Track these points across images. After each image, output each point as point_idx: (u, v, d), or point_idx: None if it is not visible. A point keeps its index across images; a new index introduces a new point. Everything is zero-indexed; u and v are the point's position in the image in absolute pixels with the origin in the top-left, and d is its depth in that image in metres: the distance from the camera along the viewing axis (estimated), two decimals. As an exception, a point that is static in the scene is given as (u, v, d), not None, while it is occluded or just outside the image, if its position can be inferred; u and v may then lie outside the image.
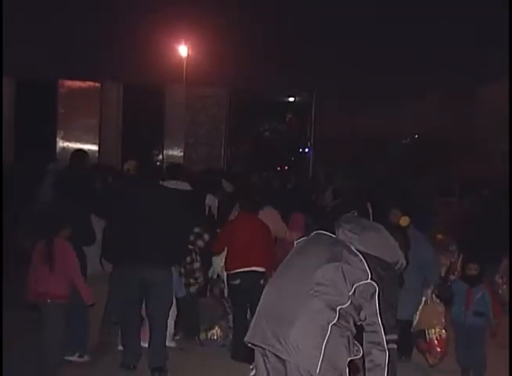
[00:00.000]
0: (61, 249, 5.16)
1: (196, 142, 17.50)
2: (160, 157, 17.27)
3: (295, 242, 3.56)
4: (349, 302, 3.13)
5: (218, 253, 6.20)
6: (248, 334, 3.37)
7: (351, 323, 3.17)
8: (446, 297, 5.86)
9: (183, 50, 26.24)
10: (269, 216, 6.86)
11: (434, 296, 5.88)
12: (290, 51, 28.62)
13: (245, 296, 6.02)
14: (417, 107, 25.45)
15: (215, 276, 6.34)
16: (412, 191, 9.48)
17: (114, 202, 5.69)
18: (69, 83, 17.47)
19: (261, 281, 6.02)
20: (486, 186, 10.42)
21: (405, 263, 3.44)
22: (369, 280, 3.13)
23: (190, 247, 6.34)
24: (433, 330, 5.79)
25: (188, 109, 17.47)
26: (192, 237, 6.39)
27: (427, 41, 27.17)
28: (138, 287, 5.42)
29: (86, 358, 5.70)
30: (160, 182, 6.35)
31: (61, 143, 17.04)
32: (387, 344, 3.15)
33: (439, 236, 8.56)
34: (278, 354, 3.15)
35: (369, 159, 23.03)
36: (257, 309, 3.38)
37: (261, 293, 5.54)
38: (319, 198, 10.39)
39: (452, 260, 8.21)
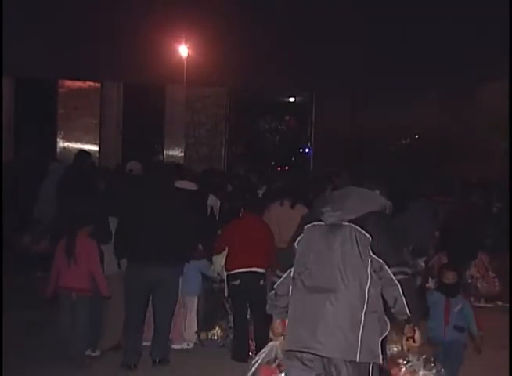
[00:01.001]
0: (84, 244, 5.45)
1: (196, 142, 17.51)
2: (160, 157, 17.27)
3: (295, 244, 3.56)
4: (370, 276, 3.31)
5: (219, 252, 6.21)
6: (288, 342, 3.46)
7: (380, 301, 3.34)
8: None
9: (183, 50, 26.24)
10: (300, 215, 7.03)
11: None
12: (290, 51, 28.61)
13: (245, 296, 6.03)
14: (417, 107, 25.46)
15: (215, 276, 6.35)
16: (412, 191, 9.46)
17: (125, 201, 5.80)
18: (69, 83, 17.49)
19: (261, 282, 6.03)
20: (482, 187, 10.46)
21: (390, 204, 3.56)
22: (370, 240, 3.31)
23: None
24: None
25: (188, 109, 17.49)
26: None
27: (427, 41, 27.16)
28: (145, 285, 5.53)
29: (97, 352, 5.79)
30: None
31: (61, 143, 17.05)
32: (394, 275, 3.28)
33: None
34: (318, 353, 3.29)
35: (369, 159, 23.02)
36: (290, 316, 3.47)
37: (261, 293, 5.60)
38: (318, 198, 10.38)
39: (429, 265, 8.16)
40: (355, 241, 3.33)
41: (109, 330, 5.90)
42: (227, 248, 6.14)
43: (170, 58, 26.67)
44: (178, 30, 26.54)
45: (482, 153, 21.22)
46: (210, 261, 6.26)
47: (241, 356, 5.97)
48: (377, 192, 3.69)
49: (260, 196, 8.76)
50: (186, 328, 6.31)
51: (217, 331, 6.41)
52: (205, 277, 6.45)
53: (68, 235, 5.50)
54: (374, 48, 27.96)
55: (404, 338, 3.50)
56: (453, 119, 23.92)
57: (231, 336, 6.22)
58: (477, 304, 8.40)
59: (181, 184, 6.77)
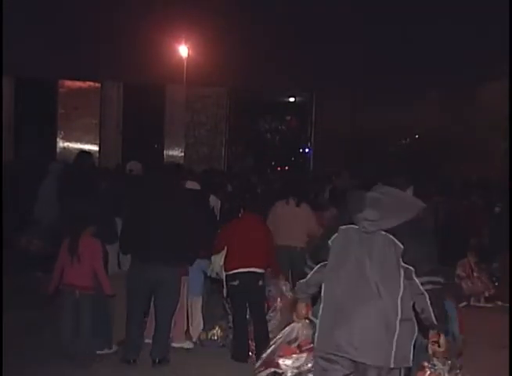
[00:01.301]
0: (87, 244, 5.55)
1: (196, 142, 17.51)
2: (161, 157, 17.26)
3: (329, 241, 3.60)
4: (403, 285, 3.38)
5: (218, 252, 6.22)
6: (318, 342, 3.53)
7: (411, 307, 3.40)
8: None
9: (183, 50, 26.24)
10: (305, 213, 7.32)
11: None
12: (290, 51, 28.61)
13: (244, 296, 6.04)
14: (417, 107, 25.45)
15: (214, 275, 6.36)
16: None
17: (127, 201, 5.85)
18: (69, 83, 17.51)
19: (260, 282, 6.04)
20: (483, 187, 10.46)
21: (424, 206, 3.56)
22: (402, 249, 3.37)
23: None
24: None
25: (188, 109, 17.50)
26: None
27: (427, 41, 27.16)
28: (146, 285, 5.59)
29: (114, 348, 5.90)
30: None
31: (61, 143, 17.05)
32: (424, 285, 3.34)
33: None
34: (354, 359, 3.38)
35: (369, 159, 23.02)
36: (324, 316, 3.53)
37: (259, 293, 5.65)
38: (318, 197, 10.40)
39: None
40: (389, 250, 3.39)
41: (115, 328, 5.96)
42: (226, 248, 6.16)
43: (170, 58, 26.66)
44: (178, 30, 26.53)
45: (482, 153, 21.21)
46: (210, 261, 6.28)
47: (241, 356, 5.98)
48: (410, 190, 3.71)
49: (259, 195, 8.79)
50: (193, 327, 6.33)
51: (217, 331, 6.41)
52: (206, 277, 6.47)
53: (72, 234, 5.60)
54: (374, 48, 27.96)
55: (429, 343, 3.54)
56: (453, 119, 23.91)
57: (231, 336, 6.23)
58: (477, 304, 8.42)
59: (188, 184, 6.83)
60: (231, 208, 7.15)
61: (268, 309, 6.26)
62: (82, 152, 9.03)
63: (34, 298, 6.65)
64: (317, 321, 3.55)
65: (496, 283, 8.72)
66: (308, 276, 3.69)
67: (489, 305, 8.47)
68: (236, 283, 6.01)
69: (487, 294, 8.52)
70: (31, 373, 5.35)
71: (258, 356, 5.88)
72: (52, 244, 7.75)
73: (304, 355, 3.88)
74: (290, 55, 28.32)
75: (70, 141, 16.97)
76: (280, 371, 3.87)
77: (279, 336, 4.07)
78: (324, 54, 28.27)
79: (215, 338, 6.40)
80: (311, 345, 3.80)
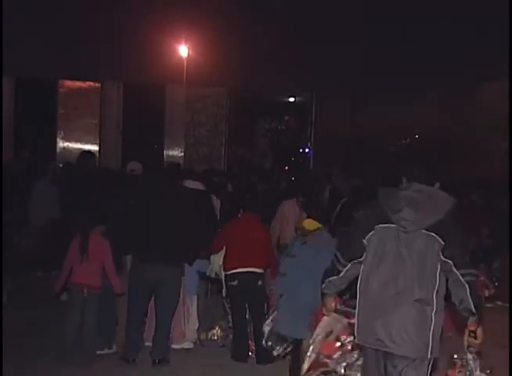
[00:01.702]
0: (97, 243, 5.63)
1: (196, 142, 17.51)
2: (161, 157, 17.26)
3: (365, 240, 3.70)
4: (439, 279, 3.55)
5: (217, 252, 6.22)
6: (358, 335, 3.72)
7: (443, 299, 3.60)
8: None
9: (183, 50, 26.24)
10: (291, 208, 7.49)
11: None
12: (290, 51, 28.59)
13: (243, 296, 6.04)
14: (417, 107, 25.44)
15: (213, 275, 6.36)
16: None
17: (130, 201, 5.88)
18: (69, 83, 17.50)
19: (259, 282, 6.05)
20: (483, 187, 10.45)
21: (456, 201, 3.67)
22: (441, 244, 3.53)
23: None
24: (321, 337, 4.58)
25: (188, 109, 17.49)
26: None
27: (427, 41, 27.15)
28: (147, 285, 5.61)
29: (114, 348, 5.94)
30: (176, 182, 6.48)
31: (61, 143, 17.04)
32: (463, 277, 3.49)
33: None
34: (391, 351, 3.55)
35: (369, 159, 23.01)
36: (365, 310, 3.67)
37: (259, 293, 5.74)
38: (318, 197, 10.40)
39: None
40: (429, 247, 3.53)
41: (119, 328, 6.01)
42: (225, 248, 6.16)
43: (170, 58, 26.66)
44: (178, 30, 26.53)
45: (482, 153, 21.21)
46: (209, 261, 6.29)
47: (241, 356, 5.99)
48: (438, 185, 3.76)
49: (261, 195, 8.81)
50: (188, 327, 6.33)
51: (217, 331, 6.42)
52: (205, 277, 6.47)
53: (81, 233, 5.67)
54: (374, 48, 27.95)
55: (466, 333, 3.59)
56: (453, 119, 23.90)
57: (231, 336, 6.23)
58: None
59: (189, 184, 6.83)
60: (231, 208, 7.15)
61: (269, 308, 6.26)
62: (85, 152, 9.05)
63: (34, 298, 6.65)
64: (356, 315, 3.74)
65: (496, 284, 8.72)
66: (343, 272, 3.83)
67: (489, 305, 8.46)
68: (235, 283, 6.02)
69: (487, 294, 8.52)
70: (31, 373, 5.35)
71: (258, 356, 5.90)
72: (47, 244, 7.78)
73: (348, 348, 4.10)
74: (290, 55, 28.31)
75: (70, 141, 16.96)
76: (330, 369, 4.06)
77: (316, 332, 4.25)
78: (324, 54, 28.26)
79: (215, 338, 6.40)
80: (351, 338, 4.04)
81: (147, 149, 16.19)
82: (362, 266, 3.74)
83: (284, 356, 5.63)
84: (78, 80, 17.53)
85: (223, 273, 6.16)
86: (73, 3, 28.13)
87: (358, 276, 3.77)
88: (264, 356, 5.93)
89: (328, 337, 4.15)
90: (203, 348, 6.22)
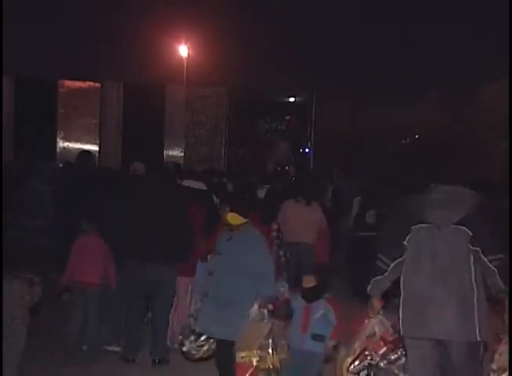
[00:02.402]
0: (98, 242, 5.70)
1: (196, 142, 17.50)
2: (161, 156, 17.25)
3: (405, 242, 4.03)
4: (474, 267, 3.92)
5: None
6: (406, 331, 4.04)
7: (483, 285, 3.96)
8: (285, 314, 4.92)
9: (183, 50, 26.25)
10: (316, 212, 7.61)
11: (265, 312, 4.63)
12: (290, 51, 28.60)
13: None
14: (417, 107, 25.43)
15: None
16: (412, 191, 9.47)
17: (127, 201, 5.90)
18: (69, 83, 17.48)
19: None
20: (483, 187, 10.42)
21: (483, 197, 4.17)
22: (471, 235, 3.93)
23: None
24: (241, 354, 4.57)
25: (188, 109, 17.48)
26: None
27: (427, 41, 27.15)
28: (146, 284, 5.62)
29: (117, 348, 5.97)
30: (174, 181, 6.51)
31: (61, 143, 17.04)
32: (491, 263, 3.87)
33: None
34: (445, 338, 3.89)
35: (369, 159, 23.02)
36: (406, 307, 4.02)
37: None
38: (320, 198, 10.40)
39: None
40: (459, 239, 3.92)
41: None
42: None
43: (170, 58, 26.67)
44: (178, 30, 26.54)
45: (482, 153, 21.20)
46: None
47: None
48: (467, 188, 4.14)
49: (261, 196, 8.81)
50: None
51: (217, 331, 6.39)
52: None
53: (82, 233, 5.76)
54: (374, 48, 27.95)
55: (506, 312, 4.06)
56: (453, 119, 23.90)
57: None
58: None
59: (191, 183, 6.84)
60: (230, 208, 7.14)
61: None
62: (84, 151, 9.05)
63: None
64: (401, 310, 4.03)
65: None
66: (388, 272, 4.12)
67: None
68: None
69: None
70: (31, 372, 5.34)
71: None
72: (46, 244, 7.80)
73: (391, 346, 4.35)
74: (290, 55, 28.33)
75: (70, 141, 16.95)
76: (373, 363, 4.31)
77: (362, 334, 4.45)
78: (324, 54, 28.28)
79: (215, 337, 6.39)
80: (393, 337, 4.32)
81: (147, 149, 16.18)
82: (403, 266, 4.06)
83: (207, 359, 5.29)
84: (78, 80, 17.51)
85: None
86: (73, 3, 28.14)
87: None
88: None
89: (371, 337, 4.38)
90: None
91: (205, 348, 5.00)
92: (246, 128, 18.98)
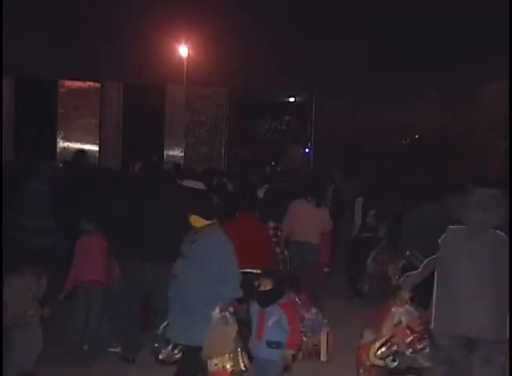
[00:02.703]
0: (100, 242, 5.75)
1: (196, 142, 17.49)
2: (161, 157, 17.25)
3: (439, 240, 4.25)
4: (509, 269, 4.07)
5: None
6: (438, 325, 4.21)
7: None
8: (245, 319, 4.76)
9: (183, 50, 26.27)
10: (324, 215, 7.67)
11: (227, 315, 4.48)
12: (290, 51, 28.61)
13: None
14: (417, 107, 25.44)
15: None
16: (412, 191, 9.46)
17: (126, 201, 5.91)
18: (69, 83, 17.46)
19: (256, 283, 6.02)
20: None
21: None
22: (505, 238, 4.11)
23: None
24: (214, 361, 4.44)
25: (188, 109, 17.46)
26: None
27: (427, 41, 27.16)
28: (146, 284, 5.64)
29: (118, 348, 5.96)
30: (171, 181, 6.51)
31: (61, 143, 17.03)
32: None
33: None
34: (475, 337, 4.04)
35: (369, 159, 23.02)
36: (440, 302, 4.18)
37: (257, 294, 5.68)
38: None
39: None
40: (496, 242, 4.07)
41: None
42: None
43: (170, 58, 26.69)
44: (178, 30, 26.55)
45: (482, 153, 21.21)
46: None
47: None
48: (500, 190, 4.28)
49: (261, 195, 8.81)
50: None
51: (217, 331, 6.39)
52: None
53: (85, 232, 5.80)
54: (374, 48, 27.97)
55: None
56: (453, 119, 23.91)
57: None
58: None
59: (191, 183, 6.83)
60: (230, 208, 7.14)
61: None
62: (79, 151, 9.06)
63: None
64: (434, 306, 4.22)
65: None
66: (420, 268, 4.38)
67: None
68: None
69: None
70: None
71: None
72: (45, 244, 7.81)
73: (418, 336, 4.55)
74: (290, 55, 28.34)
75: (70, 141, 16.93)
76: (399, 350, 4.54)
77: (388, 320, 4.68)
78: (324, 54, 28.29)
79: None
80: (420, 327, 4.54)
81: (147, 149, 16.17)
82: (438, 264, 4.24)
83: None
84: (78, 80, 17.50)
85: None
86: (73, 3, 28.15)
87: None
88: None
89: (398, 325, 4.61)
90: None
91: (177, 354, 4.76)
92: (247, 128, 18.96)
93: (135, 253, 5.66)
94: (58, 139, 17.02)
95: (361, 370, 4.70)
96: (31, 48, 25.28)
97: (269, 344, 4.51)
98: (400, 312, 4.66)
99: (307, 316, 6.22)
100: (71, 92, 17.24)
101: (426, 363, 4.46)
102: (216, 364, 4.40)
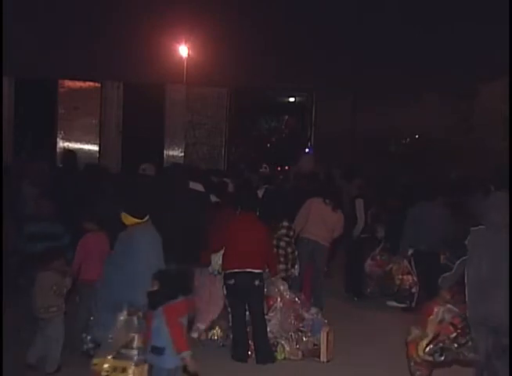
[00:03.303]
0: (103, 240, 5.81)
1: (197, 142, 17.45)
2: (161, 157, 17.23)
3: (466, 242, 4.73)
4: None
5: (217, 251, 6.23)
6: (470, 317, 4.70)
7: None
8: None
9: (183, 50, 26.30)
10: (338, 219, 7.80)
11: (135, 320, 4.48)
12: (290, 51, 28.62)
13: (241, 296, 6.05)
14: (417, 107, 25.43)
15: (216, 273, 6.37)
16: (412, 191, 9.46)
17: (141, 201, 5.96)
18: (69, 83, 17.41)
19: (256, 282, 6.03)
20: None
21: None
22: None
23: None
24: (95, 361, 4.47)
25: (188, 109, 17.44)
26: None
27: (428, 41, 27.17)
28: None
29: None
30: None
31: (61, 143, 17.01)
32: None
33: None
34: (495, 325, 4.47)
35: (369, 159, 23.02)
36: (470, 297, 4.63)
37: (256, 293, 5.78)
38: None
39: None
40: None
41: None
42: (224, 248, 6.18)
43: (170, 58, 26.72)
44: (179, 30, 26.58)
45: (482, 153, 21.20)
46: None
47: (241, 355, 5.98)
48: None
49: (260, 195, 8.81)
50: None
51: (217, 331, 6.41)
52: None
53: (88, 232, 5.88)
54: (374, 49, 27.97)
55: None
56: (453, 119, 23.90)
57: (231, 336, 6.23)
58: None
59: (191, 185, 6.87)
60: (231, 208, 7.15)
61: (268, 309, 6.25)
62: (68, 151, 9.06)
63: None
64: (467, 301, 4.68)
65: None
66: (454, 269, 4.89)
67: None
68: (231, 282, 6.04)
69: None
70: (31, 372, 5.35)
71: (258, 356, 5.89)
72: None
73: (461, 331, 4.93)
74: (290, 55, 28.34)
75: (70, 141, 16.89)
76: (445, 346, 4.93)
77: (431, 318, 5.06)
78: (324, 54, 28.29)
79: (215, 337, 6.40)
80: (463, 323, 4.89)
81: (147, 149, 16.16)
82: (467, 262, 4.67)
83: None
84: (78, 80, 17.49)
85: (222, 272, 6.18)
86: (73, 3, 28.15)
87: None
88: (263, 356, 5.93)
89: (442, 322, 5.00)
90: (203, 348, 6.21)
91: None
92: (247, 128, 18.95)
93: None
94: (58, 139, 17.01)
95: (411, 364, 5.15)
96: (31, 48, 25.29)
97: (152, 349, 4.28)
98: (442, 311, 5.05)
99: (307, 316, 6.23)
100: (71, 92, 17.21)
101: (470, 356, 4.87)
102: (95, 364, 4.39)
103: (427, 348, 4.99)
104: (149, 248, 4.76)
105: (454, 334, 4.98)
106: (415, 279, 8.07)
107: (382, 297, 8.46)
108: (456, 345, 4.93)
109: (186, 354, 4.20)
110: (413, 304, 8.01)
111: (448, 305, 5.11)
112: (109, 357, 4.36)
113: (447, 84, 25.07)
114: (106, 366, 4.35)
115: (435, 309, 5.07)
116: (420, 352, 5.02)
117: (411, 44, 27.27)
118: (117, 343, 4.38)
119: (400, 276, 8.14)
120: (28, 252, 6.18)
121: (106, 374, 4.34)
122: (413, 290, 8.06)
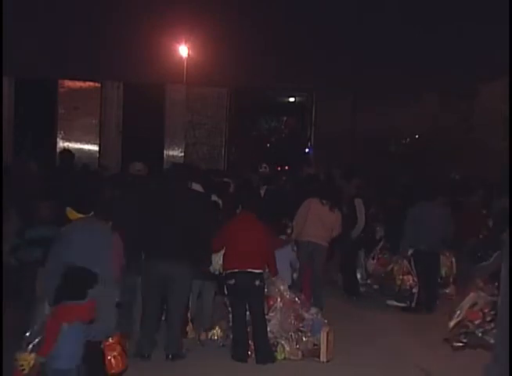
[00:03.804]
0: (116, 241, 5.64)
1: (197, 142, 17.45)
2: (161, 156, 17.23)
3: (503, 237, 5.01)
4: None
5: (217, 251, 6.24)
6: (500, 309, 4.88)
7: None
8: None
9: (183, 50, 26.30)
10: (336, 219, 7.76)
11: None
12: (290, 51, 28.62)
13: (241, 296, 6.06)
14: (417, 107, 25.43)
15: (216, 273, 6.38)
16: (412, 191, 9.47)
17: (140, 202, 5.97)
18: (69, 83, 17.42)
19: (257, 282, 6.03)
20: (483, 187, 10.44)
21: None
22: None
23: None
24: (16, 356, 4.46)
25: (188, 109, 17.44)
26: None
27: (428, 41, 27.17)
28: (159, 281, 5.76)
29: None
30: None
31: (61, 143, 17.02)
32: None
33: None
34: None
35: (369, 159, 23.01)
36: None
37: (256, 293, 5.84)
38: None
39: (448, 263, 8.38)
40: None
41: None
42: (224, 247, 6.18)
43: (170, 58, 26.71)
44: (179, 30, 26.57)
45: (482, 153, 21.20)
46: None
47: (241, 355, 5.98)
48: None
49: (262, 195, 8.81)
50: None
51: (217, 331, 6.42)
52: (213, 276, 6.50)
53: None
54: (374, 48, 27.97)
55: None
56: (453, 119, 23.90)
57: (231, 336, 6.23)
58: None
59: (193, 187, 6.89)
60: (232, 208, 7.16)
61: (269, 309, 6.25)
62: (65, 150, 9.05)
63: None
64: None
65: (496, 283, 8.70)
66: (491, 260, 5.27)
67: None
68: (232, 282, 6.05)
69: None
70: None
71: (258, 356, 5.89)
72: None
73: (488, 319, 5.17)
74: (290, 55, 28.34)
75: (70, 141, 16.89)
76: (470, 331, 5.18)
77: (464, 302, 5.33)
78: (324, 54, 28.30)
79: (215, 337, 6.40)
80: (492, 312, 5.07)
81: (147, 149, 16.16)
82: (503, 256, 4.74)
83: None
84: (78, 80, 17.49)
85: (223, 272, 6.19)
86: (73, 3, 28.15)
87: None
88: (263, 356, 5.93)
89: (473, 307, 5.26)
90: (203, 348, 6.21)
91: None
92: (246, 128, 18.95)
93: (149, 251, 5.82)
94: (58, 139, 17.01)
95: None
96: (31, 48, 25.29)
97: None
98: (475, 297, 5.31)
99: (307, 316, 6.23)
100: (71, 92, 17.22)
101: (492, 341, 4.92)
102: (16, 360, 4.37)
103: (453, 329, 5.32)
104: (84, 243, 4.71)
105: (479, 321, 5.21)
106: (415, 279, 8.07)
107: (382, 297, 8.46)
108: (481, 330, 5.15)
109: (44, 359, 4.21)
110: (413, 304, 8.01)
111: (483, 293, 5.34)
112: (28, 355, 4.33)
113: (447, 84, 25.07)
114: (23, 363, 4.34)
115: (471, 294, 5.33)
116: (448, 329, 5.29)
117: (411, 44, 27.28)
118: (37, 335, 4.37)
119: (401, 277, 8.15)
120: (28, 257, 6.12)
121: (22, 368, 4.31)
122: (414, 290, 8.06)
